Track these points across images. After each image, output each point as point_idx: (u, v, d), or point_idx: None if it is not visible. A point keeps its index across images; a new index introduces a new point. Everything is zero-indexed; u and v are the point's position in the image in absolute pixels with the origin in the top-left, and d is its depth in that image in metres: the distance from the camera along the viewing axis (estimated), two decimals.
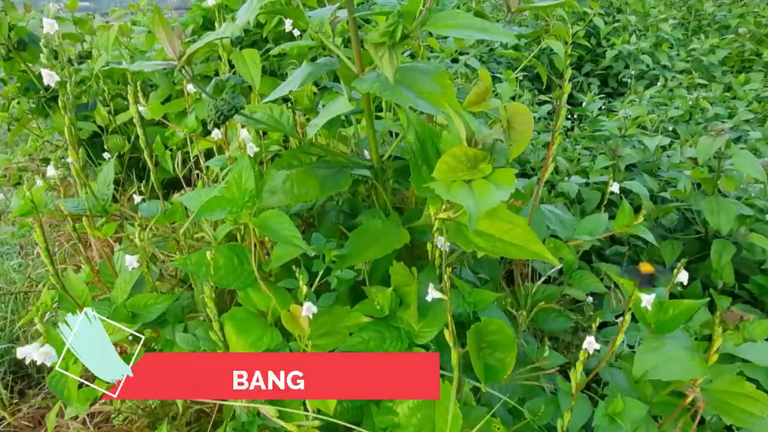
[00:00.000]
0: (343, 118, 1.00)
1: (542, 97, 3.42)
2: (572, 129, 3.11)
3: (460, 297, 0.77)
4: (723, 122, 3.24)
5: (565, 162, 2.03)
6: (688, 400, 0.81)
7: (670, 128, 3.12)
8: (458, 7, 1.17)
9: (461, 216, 0.65)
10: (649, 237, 0.83)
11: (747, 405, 0.77)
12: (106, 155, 1.92)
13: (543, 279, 0.89)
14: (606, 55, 3.85)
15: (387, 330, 0.70)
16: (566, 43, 1.05)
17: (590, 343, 0.61)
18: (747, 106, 3.33)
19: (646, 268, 0.81)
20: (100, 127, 2.11)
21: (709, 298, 0.84)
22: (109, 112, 2.08)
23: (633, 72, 3.63)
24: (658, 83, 3.39)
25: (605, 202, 2.26)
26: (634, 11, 4.49)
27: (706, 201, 1.50)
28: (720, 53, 4.06)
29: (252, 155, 0.81)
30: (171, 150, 1.31)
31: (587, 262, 2.05)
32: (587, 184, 2.26)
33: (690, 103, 3.18)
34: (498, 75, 3.42)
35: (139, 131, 1.00)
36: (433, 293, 0.63)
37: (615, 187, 0.93)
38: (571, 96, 3.98)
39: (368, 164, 0.87)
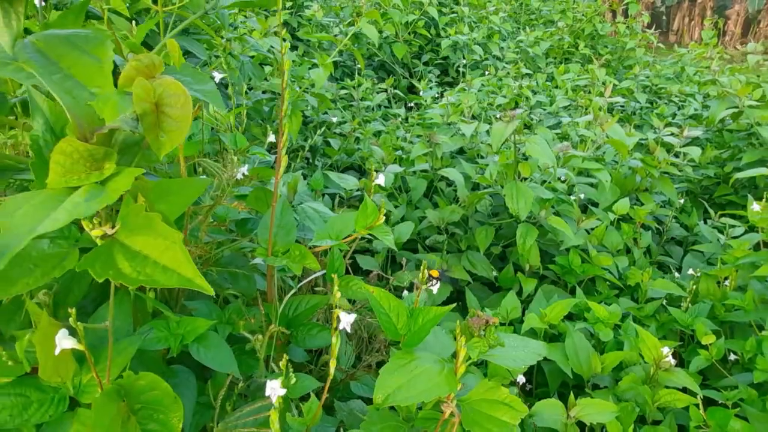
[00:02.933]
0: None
1: (381, 86, 3.39)
2: (407, 119, 3.11)
3: (166, 329, 0.62)
4: (544, 109, 3.46)
5: (381, 151, 1.96)
6: (446, 414, 0.73)
7: (498, 115, 3.26)
8: None
9: (120, 232, 0.49)
10: (389, 242, 0.74)
11: (502, 413, 0.72)
12: None
13: (293, 291, 0.76)
14: (442, 44, 3.93)
15: (36, 391, 0.52)
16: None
17: (273, 390, 0.48)
18: (565, 94, 3.59)
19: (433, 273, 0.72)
20: None
21: (454, 303, 0.77)
22: None
23: (466, 62, 3.74)
24: (486, 73, 3.53)
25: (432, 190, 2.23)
26: (468, 3, 4.66)
27: (506, 187, 1.51)
28: (543, 45, 4.36)
29: None
30: None
31: (413, 252, 2.02)
32: (414, 173, 2.24)
33: (515, 91, 3.35)
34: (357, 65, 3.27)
35: None
36: (62, 342, 0.46)
37: (380, 179, 0.83)
38: (412, 85, 4.02)
39: None
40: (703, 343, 1.33)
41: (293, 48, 3.77)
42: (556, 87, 3.83)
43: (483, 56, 4.02)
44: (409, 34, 4.29)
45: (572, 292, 1.72)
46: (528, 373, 1.52)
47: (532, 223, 1.66)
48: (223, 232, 0.83)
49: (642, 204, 2.12)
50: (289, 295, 0.75)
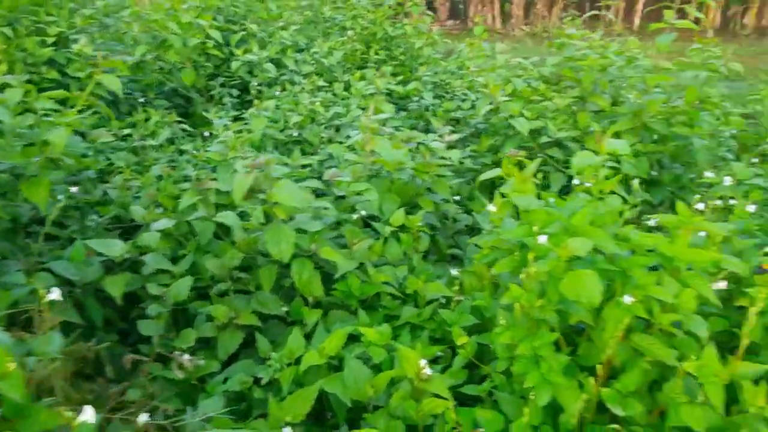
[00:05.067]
0: None
1: (167, 119, 3.21)
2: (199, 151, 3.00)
3: None
4: (341, 120, 3.56)
5: (141, 210, 1.86)
6: None
7: (296, 133, 3.29)
8: None
9: None
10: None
11: None
12: None
13: None
14: (233, 66, 3.85)
15: None
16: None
17: None
18: (359, 101, 3.74)
19: None
20: None
21: None
22: None
23: (257, 82, 3.71)
24: (278, 92, 3.53)
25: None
26: (258, 18, 4.62)
27: (267, 232, 1.52)
28: (337, 54, 4.49)
29: None
30: None
31: (206, 298, 1.93)
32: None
33: (309, 107, 3.41)
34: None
35: None
36: None
37: (54, 294, 0.76)
38: (207, 111, 3.88)
39: None
40: (458, 344, 1.48)
41: (63, 87, 3.39)
42: (352, 95, 3.98)
43: (278, 73, 4.02)
44: (200, 55, 4.12)
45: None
46: (319, 401, 1.54)
47: (307, 255, 1.70)
48: None
49: (422, 208, 2.28)
50: None
